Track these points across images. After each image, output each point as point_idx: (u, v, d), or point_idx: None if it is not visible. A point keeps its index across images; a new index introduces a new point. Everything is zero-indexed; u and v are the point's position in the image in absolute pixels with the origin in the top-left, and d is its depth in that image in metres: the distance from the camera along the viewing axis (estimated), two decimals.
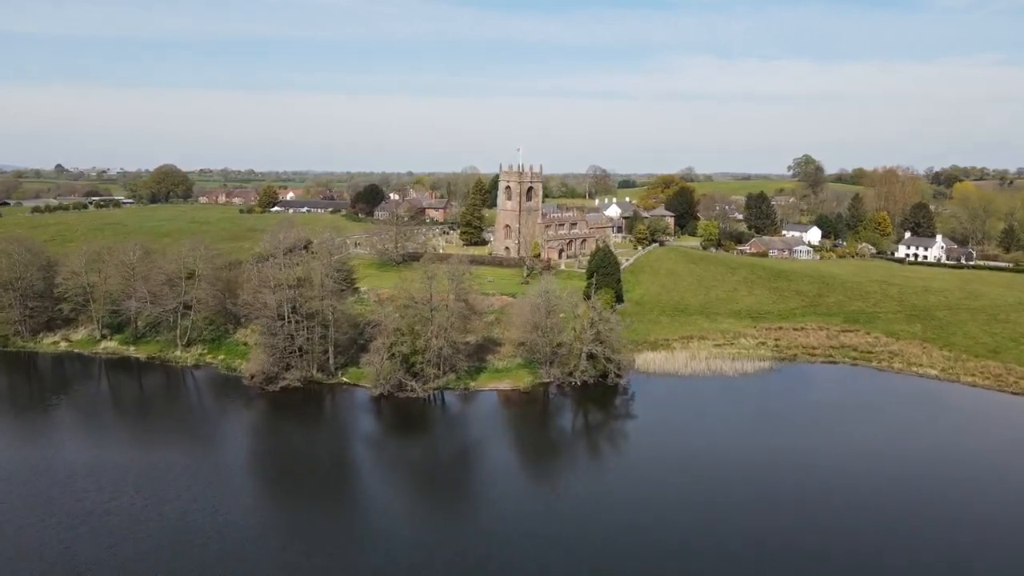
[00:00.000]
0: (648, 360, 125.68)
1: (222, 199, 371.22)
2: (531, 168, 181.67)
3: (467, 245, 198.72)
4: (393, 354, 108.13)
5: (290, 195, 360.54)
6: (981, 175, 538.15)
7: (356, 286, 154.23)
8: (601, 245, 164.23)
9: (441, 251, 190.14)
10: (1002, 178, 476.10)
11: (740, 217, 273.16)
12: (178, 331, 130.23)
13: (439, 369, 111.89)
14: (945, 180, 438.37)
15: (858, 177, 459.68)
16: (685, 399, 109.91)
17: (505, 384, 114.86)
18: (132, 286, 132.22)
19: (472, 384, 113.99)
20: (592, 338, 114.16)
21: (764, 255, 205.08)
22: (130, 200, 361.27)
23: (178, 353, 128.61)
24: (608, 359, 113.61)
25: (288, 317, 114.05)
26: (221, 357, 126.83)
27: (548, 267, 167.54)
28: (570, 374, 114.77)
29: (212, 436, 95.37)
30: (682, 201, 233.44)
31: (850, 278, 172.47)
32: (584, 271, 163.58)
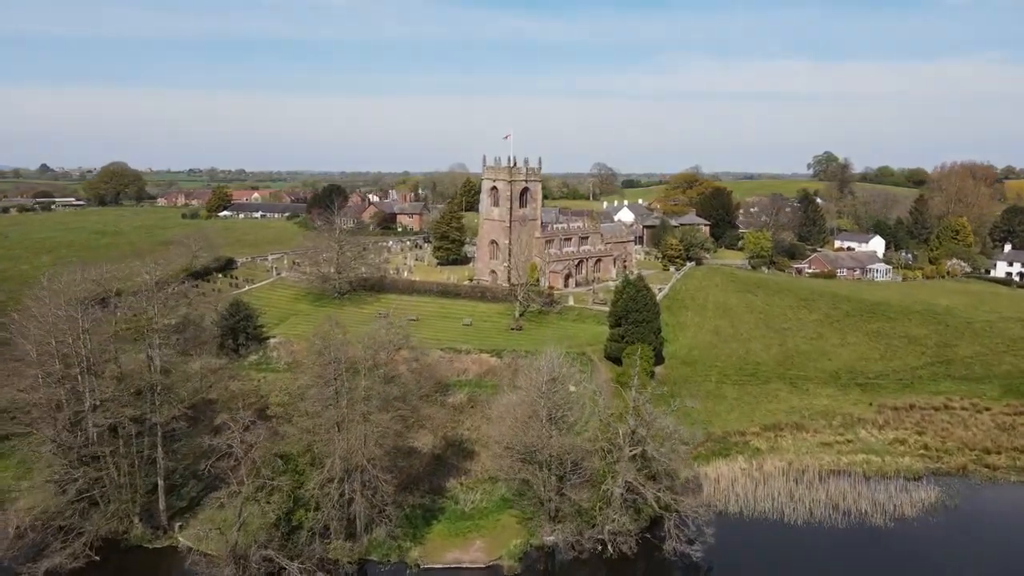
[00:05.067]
0: (721, 482, 70.51)
1: (181, 200, 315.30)
2: (526, 163, 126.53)
3: (442, 264, 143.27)
4: (258, 511, 53.05)
5: (255, 196, 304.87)
6: (1007, 174, 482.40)
7: (265, 335, 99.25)
8: (630, 274, 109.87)
9: (407, 274, 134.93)
10: None
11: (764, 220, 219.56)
12: None
13: (351, 534, 56.82)
14: (981, 177, 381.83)
15: (884, 176, 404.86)
16: None
17: (475, 551, 59.57)
18: None
19: (414, 553, 58.48)
20: (635, 459, 59.31)
21: (831, 276, 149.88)
22: (82, 202, 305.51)
23: None
24: (665, 506, 58.66)
25: (66, 436, 58.63)
26: None
27: (552, 301, 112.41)
28: (592, 525, 59.80)
29: None
30: (717, 205, 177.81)
31: (971, 314, 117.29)
32: (604, 307, 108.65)
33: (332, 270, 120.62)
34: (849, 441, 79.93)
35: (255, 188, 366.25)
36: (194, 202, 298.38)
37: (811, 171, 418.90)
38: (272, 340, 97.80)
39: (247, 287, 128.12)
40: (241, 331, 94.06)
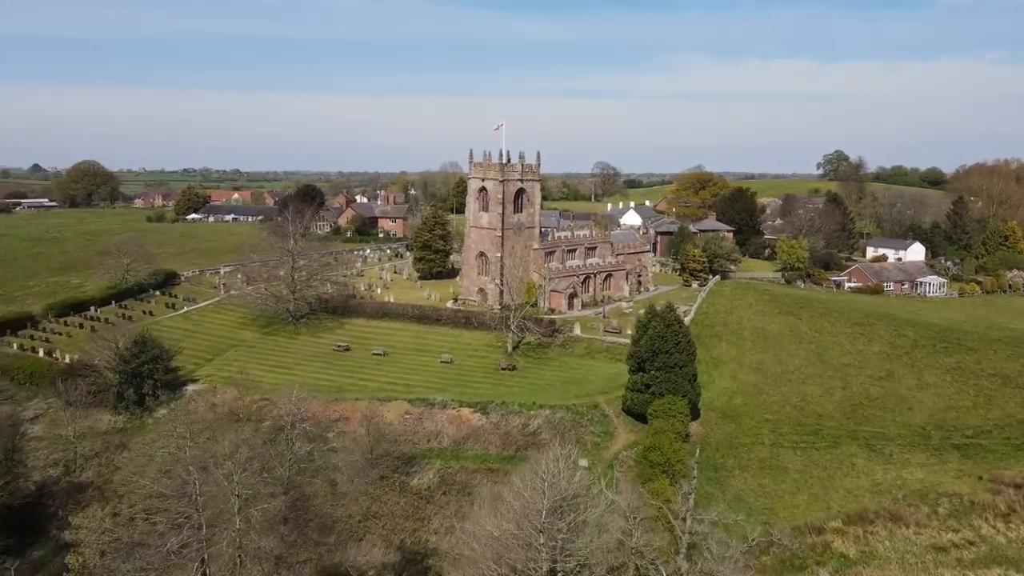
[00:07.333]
0: None
1: (159, 201, 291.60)
2: (522, 158, 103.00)
3: (423, 279, 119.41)
4: None
5: (235, 197, 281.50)
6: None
7: (182, 379, 75.58)
8: (646, 289, 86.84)
9: (381, 291, 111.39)
10: None
11: (779, 224, 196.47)
12: None
13: None
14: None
15: (897, 175, 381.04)
16: None
17: None
18: None
19: None
20: None
21: (877, 291, 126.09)
22: (54, 203, 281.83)
23: None
24: None
25: None
26: None
27: (553, 331, 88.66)
28: None
29: None
30: (740, 208, 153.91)
31: None
32: (617, 336, 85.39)
33: (285, 289, 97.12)
34: (970, 543, 56.26)
35: (238, 189, 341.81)
36: (169, 204, 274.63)
37: (821, 171, 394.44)
38: (191, 387, 74.03)
39: (186, 308, 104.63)
40: (147, 377, 70.26)
